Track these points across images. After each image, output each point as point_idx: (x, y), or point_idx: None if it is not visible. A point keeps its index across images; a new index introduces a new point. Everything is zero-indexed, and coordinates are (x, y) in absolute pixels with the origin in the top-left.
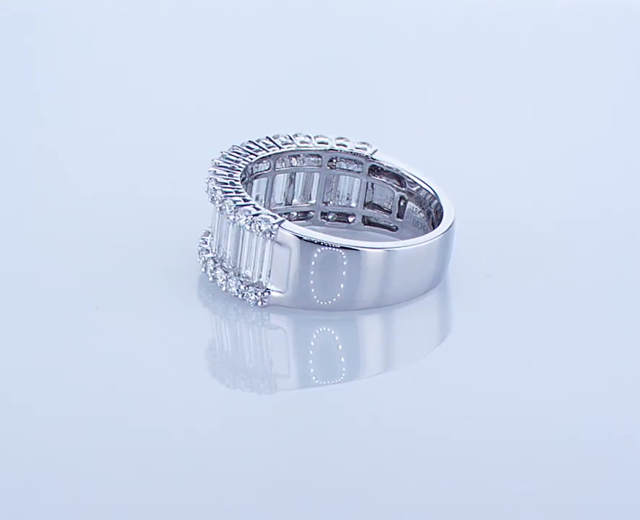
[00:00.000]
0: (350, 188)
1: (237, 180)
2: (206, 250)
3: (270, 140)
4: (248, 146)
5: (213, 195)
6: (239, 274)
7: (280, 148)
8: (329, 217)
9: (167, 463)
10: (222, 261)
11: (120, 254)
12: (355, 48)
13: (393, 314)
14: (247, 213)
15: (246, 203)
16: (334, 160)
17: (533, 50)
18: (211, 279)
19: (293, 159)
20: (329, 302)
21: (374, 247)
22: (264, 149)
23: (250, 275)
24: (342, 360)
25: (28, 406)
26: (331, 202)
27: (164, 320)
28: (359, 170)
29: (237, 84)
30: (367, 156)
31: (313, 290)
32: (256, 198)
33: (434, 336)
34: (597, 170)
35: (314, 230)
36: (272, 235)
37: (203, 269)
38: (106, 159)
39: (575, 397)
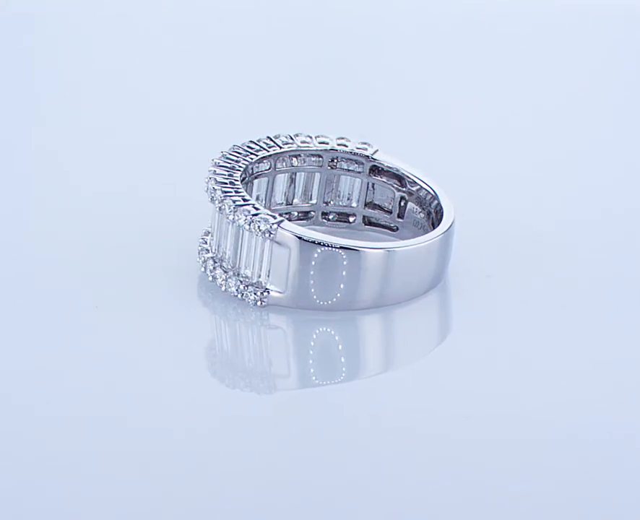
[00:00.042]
0: (351, 188)
1: (237, 180)
2: (206, 250)
3: (271, 140)
4: (248, 146)
5: (213, 195)
6: (238, 274)
7: (281, 148)
8: (330, 217)
9: (166, 463)
10: (222, 260)
11: (120, 254)
12: (355, 48)
13: (393, 314)
14: (246, 213)
15: (246, 203)
16: (335, 160)
17: (533, 50)
18: (210, 278)
19: (294, 159)
20: (329, 302)
21: (374, 247)
22: (264, 148)
23: (249, 275)
24: (342, 360)
25: (28, 406)
26: (331, 202)
27: (164, 320)
28: (360, 170)
29: (237, 84)
30: (368, 156)
31: (312, 290)
32: (257, 198)
33: (434, 336)
34: (597, 170)
35: (315, 230)
36: (271, 235)
37: (203, 269)
38: (106, 159)
39: (575, 397)
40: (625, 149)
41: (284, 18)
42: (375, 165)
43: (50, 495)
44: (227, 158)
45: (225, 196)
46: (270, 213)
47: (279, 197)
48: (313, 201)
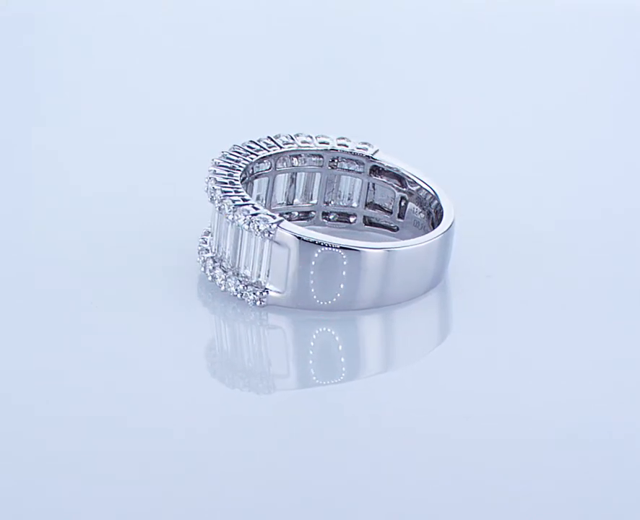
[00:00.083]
0: (351, 188)
1: (236, 180)
2: (206, 249)
3: (271, 140)
4: (249, 146)
5: (212, 194)
6: (238, 274)
7: (281, 148)
8: (330, 217)
9: (166, 462)
10: (222, 260)
11: (120, 254)
12: (355, 48)
13: (393, 314)
14: (246, 213)
15: (245, 202)
16: (336, 160)
17: (533, 50)
18: (210, 278)
19: (294, 159)
20: (329, 302)
21: (374, 247)
22: (264, 148)
23: (249, 275)
24: (342, 360)
25: (28, 406)
26: (332, 202)
27: (164, 320)
28: (360, 170)
29: (237, 84)
30: (368, 156)
31: (312, 290)
32: (257, 198)
33: (434, 336)
34: (597, 170)
35: (315, 230)
36: (271, 235)
37: (202, 269)
38: (106, 159)
39: (575, 397)
40: (625, 149)
41: (284, 18)
42: (375, 165)
43: (50, 495)
44: (228, 158)
45: (224, 196)
46: (269, 213)
47: (279, 197)
48: (314, 201)
